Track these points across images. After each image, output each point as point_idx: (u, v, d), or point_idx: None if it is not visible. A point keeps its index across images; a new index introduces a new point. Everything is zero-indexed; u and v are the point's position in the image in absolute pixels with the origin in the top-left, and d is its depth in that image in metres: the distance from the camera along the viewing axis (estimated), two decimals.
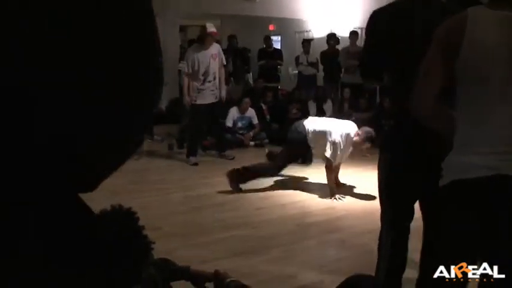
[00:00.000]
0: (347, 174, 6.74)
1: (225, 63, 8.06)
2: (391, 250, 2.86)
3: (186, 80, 7.61)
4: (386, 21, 2.68)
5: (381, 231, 2.98)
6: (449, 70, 1.94)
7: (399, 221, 2.85)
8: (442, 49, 1.98)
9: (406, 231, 2.88)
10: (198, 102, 7.56)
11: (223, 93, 7.90)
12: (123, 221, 1.93)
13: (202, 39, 7.59)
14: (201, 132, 8.12)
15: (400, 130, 2.73)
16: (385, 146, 2.92)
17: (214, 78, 7.62)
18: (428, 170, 2.71)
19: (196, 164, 7.68)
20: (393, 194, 2.84)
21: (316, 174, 7.05)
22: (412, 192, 2.79)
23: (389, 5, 2.75)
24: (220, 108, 8.14)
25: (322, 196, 5.99)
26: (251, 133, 9.17)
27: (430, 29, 2.65)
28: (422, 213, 2.85)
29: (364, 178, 6.34)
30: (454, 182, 1.87)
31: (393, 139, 2.78)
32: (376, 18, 2.73)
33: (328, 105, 10.24)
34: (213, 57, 7.56)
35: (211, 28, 7.54)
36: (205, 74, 7.51)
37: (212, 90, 7.64)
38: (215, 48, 7.69)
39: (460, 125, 1.94)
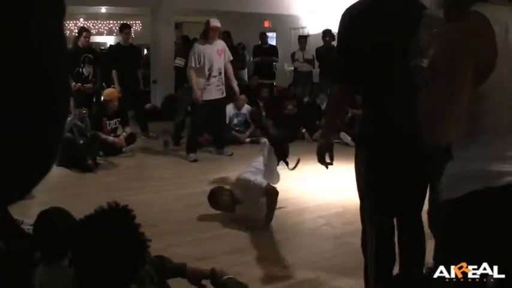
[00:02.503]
0: (341, 171, 6.73)
1: (231, 59, 8.03)
2: (376, 251, 2.82)
3: (193, 75, 7.49)
4: (357, 18, 2.70)
5: (363, 230, 2.91)
6: (478, 87, 1.73)
7: (381, 218, 2.79)
8: (471, 63, 1.70)
9: (390, 229, 2.83)
10: (204, 98, 7.52)
11: (236, 87, 7.94)
12: (120, 218, 1.92)
13: (206, 34, 7.58)
14: (200, 129, 8.09)
15: (372, 125, 2.72)
16: (359, 141, 2.90)
17: (220, 74, 7.59)
18: (404, 164, 2.69)
19: (195, 160, 7.67)
20: (373, 191, 2.79)
21: (311, 172, 7.05)
22: (392, 188, 2.74)
23: (357, 3, 2.76)
24: (225, 103, 8.14)
25: (316, 193, 5.99)
26: (247, 132, 9.15)
27: (401, 22, 2.64)
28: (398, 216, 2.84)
29: None
30: (477, 191, 1.77)
31: (367, 134, 2.77)
32: (346, 17, 2.75)
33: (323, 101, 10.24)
34: (218, 52, 7.56)
35: (214, 22, 7.54)
36: (211, 69, 7.48)
37: (218, 86, 7.61)
38: (220, 44, 7.70)
39: (479, 133, 1.79)
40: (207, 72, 7.47)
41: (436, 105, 1.75)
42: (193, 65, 7.46)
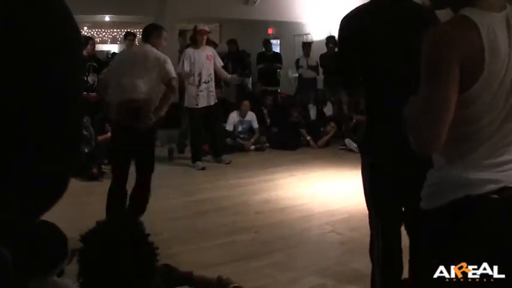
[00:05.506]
0: (347, 178, 6.73)
1: (222, 64, 8.08)
2: (383, 257, 2.80)
3: (185, 81, 7.54)
4: (356, 25, 2.67)
5: (371, 238, 2.90)
6: (464, 93, 1.68)
7: (388, 226, 2.78)
8: (457, 67, 1.65)
9: (397, 236, 2.80)
10: (199, 105, 7.54)
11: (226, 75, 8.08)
12: (128, 227, 1.91)
13: (195, 39, 7.65)
14: (202, 136, 8.06)
15: (376, 133, 2.69)
16: (363, 150, 2.88)
17: (211, 80, 7.61)
18: (410, 171, 2.65)
19: (203, 168, 7.65)
20: (378, 200, 2.77)
21: (318, 178, 7.06)
22: (397, 196, 2.70)
23: (357, 8, 2.73)
24: (218, 110, 8.09)
25: (322, 199, 5.98)
26: (252, 140, 9.14)
27: (401, 28, 2.60)
28: (404, 224, 2.78)
29: None
30: (457, 200, 1.76)
31: (370, 143, 2.75)
32: (346, 24, 2.72)
33: (328, 108, 10.24)
34: (208, 58, 7.57)
35: (200, 26, 7.63)
36: (200, 75, 7.49)
37: (210, 91, 7.61)
38: (210, 50, 7.74)
39: (460, 140, 1.76)
40: (197, 78, 7.49)
41: (423, 116, 1.71)
42: (185, 69, 7.47)
